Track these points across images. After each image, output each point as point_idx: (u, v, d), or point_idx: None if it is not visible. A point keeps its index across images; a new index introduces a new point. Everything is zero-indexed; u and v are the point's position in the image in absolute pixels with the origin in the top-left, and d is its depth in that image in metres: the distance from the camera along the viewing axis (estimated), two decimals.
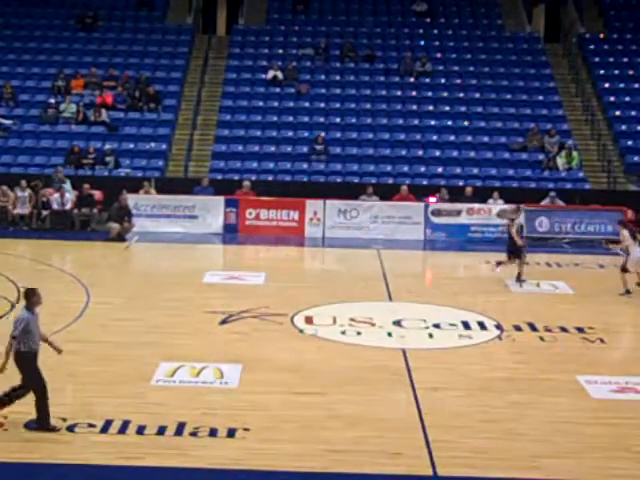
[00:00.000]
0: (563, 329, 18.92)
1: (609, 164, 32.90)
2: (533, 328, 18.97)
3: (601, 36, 38.90)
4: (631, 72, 36.77)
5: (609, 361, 16.99)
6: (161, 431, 12.69)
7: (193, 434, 12.65)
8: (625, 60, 37.37)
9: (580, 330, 18.87)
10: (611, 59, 37.52)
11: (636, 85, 36.15)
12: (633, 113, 34.82)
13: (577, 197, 30.19)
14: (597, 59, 37.54)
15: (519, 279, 22.95)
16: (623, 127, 34.31)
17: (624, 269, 22.19)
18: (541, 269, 24.97)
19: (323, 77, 37.42)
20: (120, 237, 27.93)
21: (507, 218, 24.65)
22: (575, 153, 32.64)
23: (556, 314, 20.08)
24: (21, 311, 13.02)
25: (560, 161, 32.30)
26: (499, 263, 23.25)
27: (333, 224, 29.88)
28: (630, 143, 33.61)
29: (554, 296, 22.07)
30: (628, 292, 21.85)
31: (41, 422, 12.64)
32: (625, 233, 22.56)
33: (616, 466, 12.38)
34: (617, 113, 34.90)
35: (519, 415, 14.08)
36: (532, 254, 26.41)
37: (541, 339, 18.30)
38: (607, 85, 36.20)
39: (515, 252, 23.10)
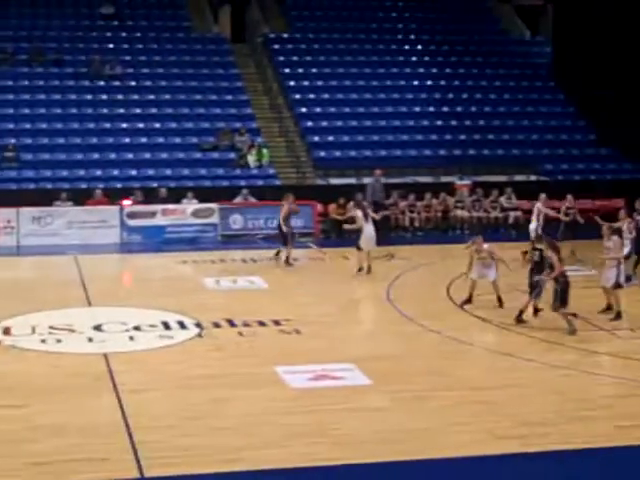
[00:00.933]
0: (261, 323, 19.46)
1: (297, 160, 33.98)
2: (232, 324, 19.40)
3: (285, 36, 40.06)
4: (315, 70, 38.12)
5: (305, 351, 17.57)
6: None
7: None
8: (309, 59, 38.69)
9: (277, 323, 19.48)
10: (295, 58, 38.74)
11: (320, 82, 37.52)
12: (318, 110, 36.13)
13: (268, 193, 30.95)
14: (282, 58, 38.64)
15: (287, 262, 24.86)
16: (309, 123, 35.54)
17: (358, 247, 23.20)
18: (237, 265, 25.50)
19: (11, 83, 36.39)
20: None
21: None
22: (265, 150, 33.48)
23: (253, 308, 20.60)
24: None
25: (251, 159, 33.03)
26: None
27: (27, 232, 29.22)
28: (316, 139, 34.86)
29: (251, 291, 22.59)
30: (360, 270, 23.55)
31: None
32: (358, 213, 23.80)
33: (319, 450, 12.95)
34: (303, 110, 36.09)
35: (221, 410, 14.39)
36: (228, 251, 26.99)
37: (240, 334, 18.74)
38: (293, 83, 37.36)
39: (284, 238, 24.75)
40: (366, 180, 32.47)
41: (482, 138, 36.14)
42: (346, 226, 26.16)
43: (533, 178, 34.31)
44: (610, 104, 35.47)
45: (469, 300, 20.75)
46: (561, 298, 18.68)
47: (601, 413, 14.43)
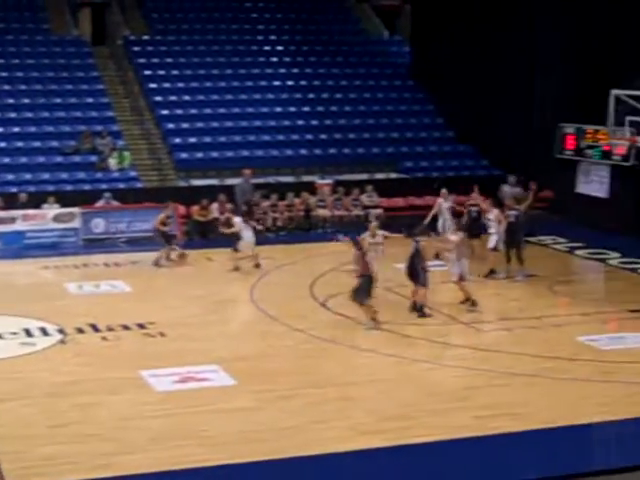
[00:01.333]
0: (125, 327, 19.40)
1: (159, 162, 33.85)
2: (95, 329, 19.29)
3: (145, 38, 39.81)
4: (175, 72, 37.91)
5: (170, 353, 17.60)
6: None
7: None
8: (169, 61, 38.45)
9: (141, 326, 19.46)
10: (156, 60, 38.45)
11: (181, 85, 37.37)
12: (179, 112, 35.99)
13: (131, 196, 30.72)
14: (143, 60, 38.32)
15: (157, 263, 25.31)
16: (171, 126, 35.37)
17: (235, 249, 24.14)
18: (100, 270, 25.25)
19: None
20: None
21: None
22: (126, 153, 33.21)
23: (117, 313, 20.50)
24: None
25: (112, 162, 32.72)
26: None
27: None
28: (178, 141, 34.73)
29: (114, 295, 22.41)
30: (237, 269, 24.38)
31: None
32: (236, 220, 24.78)
33: (186, 453, 13.06)
34: (164, 112, 35.90)
35: (87, 416, 14.36)
36: (90, 256, 26.73)
37: (104, 339, 18.67)
38: (153, 85, 37.11)
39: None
40: (229, 181, 32.52)
41: (343, 137, 36.49)
42: (224, 230, 26.32)
43: (394, 176, 34.83)
44: (467, 102, 36.33)
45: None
46: (366, 291, 19.27)
47: (460, 405, 14.92)
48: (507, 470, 12.78)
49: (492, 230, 23.75)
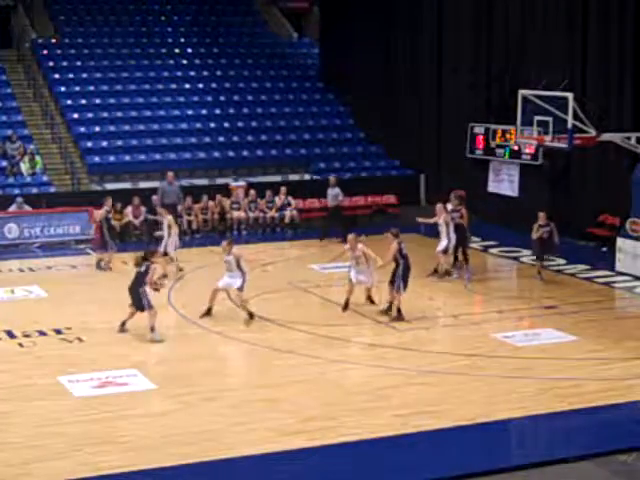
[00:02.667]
0: (42, 333, 19.20)
1: (72, 166, 33.51)
2: (11, 335, 19.06)
3: (53, 41, 39.35)
4: (85, 75, 37.60)
5: (88, 358, 17.48)
6: None
7: None
8: (78, 64, 38.10)
9: (58, 332, 19.28)
10: (65, 63, 38.08)
11: (91, 88, 37.04)
12: (90, 115, 35.68)
13: (44, 201, 30.38)
14: (51, 63, 37.92)
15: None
16: (82, 129, 35.06)
17: (166, 253, 24.05)
18: (14, 275, 24.93)
19: None
20: None
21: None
22: (38, 157, 32.84)
23: (33, 318, 20.26)
24: None
25: (24, 166, 32.33)
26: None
27: None
28: (90, 144, 34.44)
29: (29, 301, 22.16)
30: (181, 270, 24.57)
31: None
32: (165, 221, 24.66)
33: (107, 458, 12.99)
34: (75, 116, 35.58)
35: (5, 424, 14.19)
36: (4, 261, 26.36)
37: (20, 345, 18.46)
38: (63, 89, 36.75)
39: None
40: (142, 184, 32.46)
41: (255, 139, 36.55)
42: (157, 233, 26.26)
43: (307, 177, 35.02)
44: (377, 103, 36.64)
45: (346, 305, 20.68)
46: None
47: (380, 404, 15.08)
48: (428, 468, 12.94)
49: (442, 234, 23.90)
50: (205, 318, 20.10)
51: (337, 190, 29.74)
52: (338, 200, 29.79)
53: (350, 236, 20.87)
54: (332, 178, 30.55)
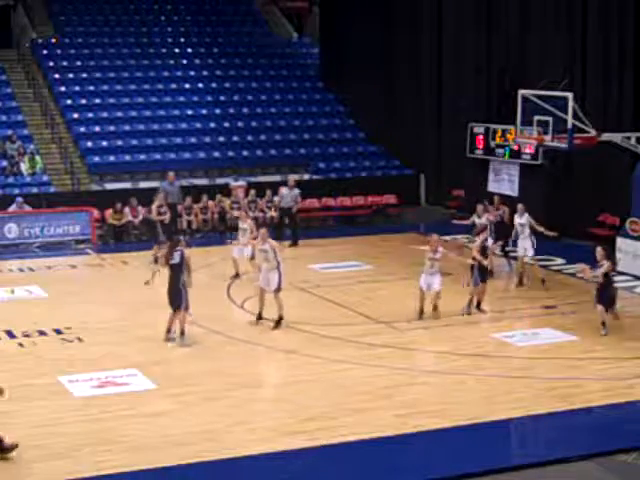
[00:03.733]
0: (42, 333, 19.22)
1: (72, 166, 33.52)
2: (11, 335, 19.07)
3: (53, 41, 39.35)
4: (85, 75, 37.63)
5: (88, 358, 17.48)
6: None
7: None
8: (78, 64, 38.12)
9: (58, 332, 19.30)
10: (65, 63, 38.09)
11: (91, 87, 37.06)
12: (90, 115, 35.70)
13: (43, 201, 30.41)
14: (51, 63, 37.94)
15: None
16: (82, 129, 35.07)
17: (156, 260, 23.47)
18: (15, 275, 24.95)
19: None
20: None
21: None
22: (38, 157, 32.85)
23: (33, 318, 20.26)
24: None
25: (24, 166, 32.34)
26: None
27: None
28: (90, 144, 34.45)
29: (29, 301, 22.16)
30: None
31: None
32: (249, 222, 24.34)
33: (108, 458, 12.99)
34: (75, 116, 35.59)
35: (5, 424, 14.15)
36: (4, 261, 26.37)
37: (20, 345, 18.47)
38: (63, 89, 36.77)
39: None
40: (142, 184, 32.50)
41: (255, 139, 36.56)
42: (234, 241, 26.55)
43: (307, 177, 35.03)
44: (377, 103, 36.65)
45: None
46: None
47: (381, 404, 15.09)
48: (428, 468, 12.95)
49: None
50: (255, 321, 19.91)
51: (296, 191, 29.53)
52: (297, 202, 29.57)
53: (434, 237, 20.45)
54: (292, 178, 30.36)
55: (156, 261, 22.70)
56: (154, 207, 27.39)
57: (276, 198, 30.04)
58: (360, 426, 14.11)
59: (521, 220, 22.94)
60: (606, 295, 19.01)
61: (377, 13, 36.79)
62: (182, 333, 18.49)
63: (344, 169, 35.93)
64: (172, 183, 29.75)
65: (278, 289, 19.51)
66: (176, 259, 18.65)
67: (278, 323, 19.47)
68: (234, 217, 30.29)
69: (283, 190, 29.50)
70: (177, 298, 18.39)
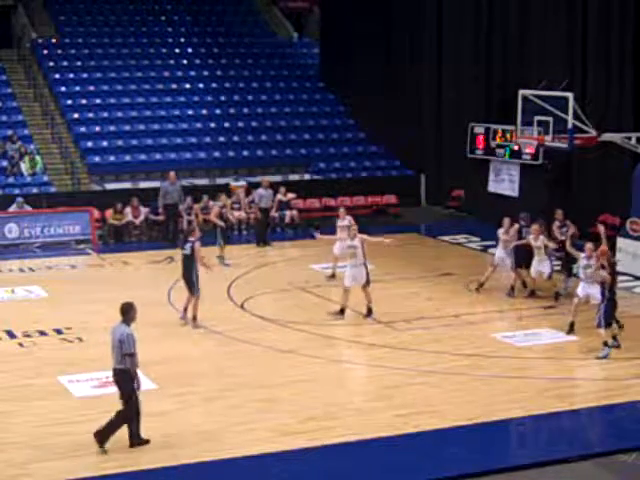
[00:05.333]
0: (42, 333, 19.22)
1: (72, 166, 33.52)
2: (12, 335, 19.07)
3: (54, 41, 39.36)
4: (85, 75, 37.63)
5: (89, 358, 17.45)
6: None
7: None
8: (78, 64, 38.12)
9: (58, 332, 19.30)
10: (65, 63, 38.11)
11: (91, 87, 37.06)
12: (90, 115, 35.70)
13: (44, 201, 30.40)
14: (52, 64, 37.95)
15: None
16: (82, 129, 35.08)
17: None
18: (15, 275, 24.93)
19: None
20: None
21: None
22: (38, 157, 32.85)
23: (34, 318, 20.28)
24: (124, 327, 12.82)
25: (24, 166, 32.34)
26: None
27: None
28: (90, 144, 34.45)
29: (30, 301, 22.16)
30: None
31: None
32: None
33: (108, 458, 13.02)
34: (75, 116, 35.59)
35: (6, 424, 14.20)
36: (4, 261, 26.36)
37: (21, 345, 18.47)
38: (63, 89, 36.77)
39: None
40: (143, 184, 32.51)
41: (256, 139, 36.56)
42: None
43: (307, 177, 35.04)
44: (377, 103, 36.64)
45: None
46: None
47: (381, 404, 15.10)
48: (428, 468, 12.96)
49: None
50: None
51: (270, 192, 29.50)
52: (274, 202, 29.64)
53: (535, 225, 21.20)
54: (265, 180, 30.30)
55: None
56: (215, 211, 26.48)
57: (255, 198, 29.76)
58: (360, 426, 14.11)
59: (537, 243, 21.49)
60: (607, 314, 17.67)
61: (377, 13, 36.78)
62: (194, 318, 19.47)
63: (344, 169, 35.94)
64: (173, 183, 29.74)
65: (367, 283, 20.03)
66: (187, 250, 19.60)
67: (370, 312, 20.04)
68: (234, 218, 30.31)
69: (261, 191, 29.40)
70: (191, 286, 19.54)
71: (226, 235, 25.98)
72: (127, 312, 13.35)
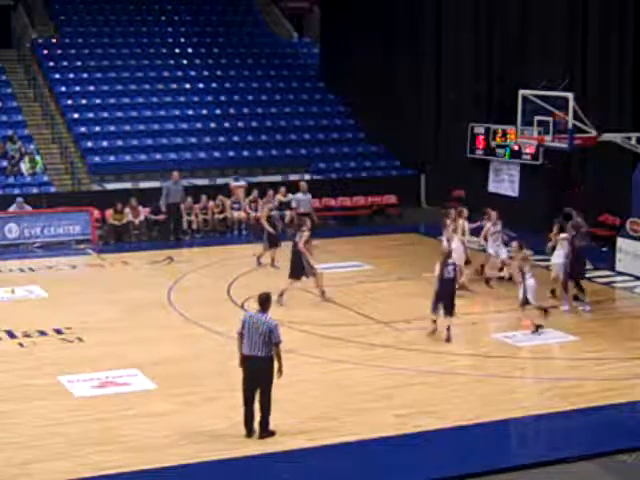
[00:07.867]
0: (42, 333, 19.22)
1: (72, 166, 33.52)
2: (12, 335, 19.07)
3: (54, 41, 39.35)
4: (85, 75, 37.62)
5: (89, 359, 17.49)
6: None
7: None
8: (79, 64, 38.10)
9: (59, 332, 19.30)
10: (65, 63, 38.09)
11: (91, 88, 37.05)
12: (90, 115, 35.69)
13: (44, 201, 30.41)
14: (52, 64, 37.93)
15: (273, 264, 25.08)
16: (82, 129, 35.07)
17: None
18: (15, 275, 24.93)
19: None
20: None
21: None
22: (38, 157, 32.85)
23: (34, 318, 20.28)
24: (267, 317, 13.14)
25: (24, 166, 32.34)
26: None
27: None
28: (90, 144, 34.45)
29: (30, 301, 22.16)
30: None
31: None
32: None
33: (109, 458, 13.00)
34: (75, 116, 35.59)
35: (5, 424, 14.20)
36: (4, 261, 26.36)
37: (20, 345, 18.47)
38: (63, 89, 36.76)
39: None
40: (143, 184, 32.52)
41: (256, 139, 36.56)
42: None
43: (307, 177, 35.02)
44: (377, 103, 36.65)
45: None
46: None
47: (381, 404, 15.10)
48: (428, 468, 12.96)
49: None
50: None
51: (309, 196, 29.54)
52: (309, 207, 29.53)
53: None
54: (302, 183, 30.23)
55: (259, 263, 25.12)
56: (264, 214, 25.94)
57: (293, 203, 29.79)
58: (360, 426, 14.11)
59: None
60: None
61: (377, 13, 36.78)
62: (281, 294, 20.83)
63: (344, 169, 35.94)
64: (176, 183, 29.76)
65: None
66: (297, 238, 21.35)
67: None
68: (234, 218, 30.40)
69: (299, 195, 29.44)
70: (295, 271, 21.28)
71: (272, 240, 25.31)
72: (266, 301, 13.65)
